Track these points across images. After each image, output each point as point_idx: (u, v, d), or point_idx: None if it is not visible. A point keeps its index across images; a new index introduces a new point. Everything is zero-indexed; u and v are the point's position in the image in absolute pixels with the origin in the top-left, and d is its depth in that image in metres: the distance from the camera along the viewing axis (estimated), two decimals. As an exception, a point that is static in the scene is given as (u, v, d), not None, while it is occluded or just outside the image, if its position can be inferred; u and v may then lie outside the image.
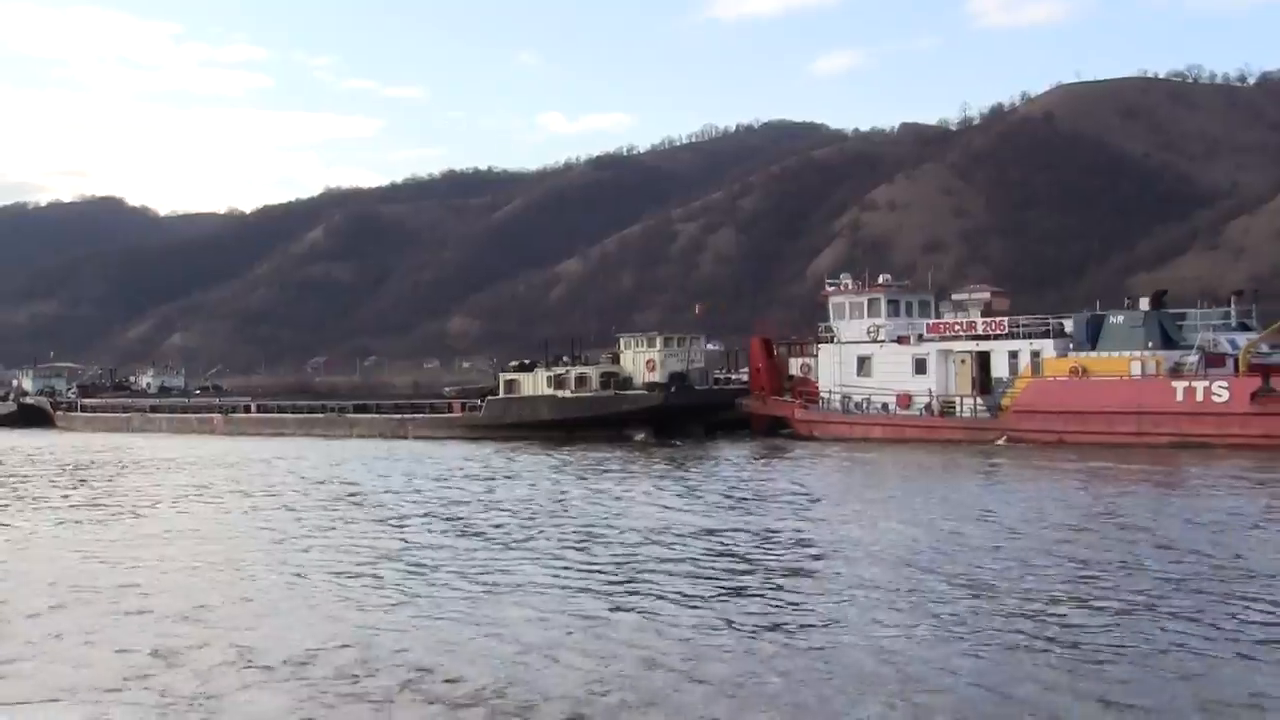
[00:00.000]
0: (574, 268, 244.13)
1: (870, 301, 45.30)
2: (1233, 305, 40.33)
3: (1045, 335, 40.67)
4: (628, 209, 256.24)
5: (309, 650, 11.34)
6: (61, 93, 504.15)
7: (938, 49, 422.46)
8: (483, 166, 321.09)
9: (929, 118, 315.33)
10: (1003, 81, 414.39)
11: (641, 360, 46.77)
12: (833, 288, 46.41)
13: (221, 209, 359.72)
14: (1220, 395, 36.18)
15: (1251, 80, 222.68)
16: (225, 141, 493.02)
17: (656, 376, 46.60)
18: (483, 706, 9.20)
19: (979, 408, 40.92)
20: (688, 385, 46.24)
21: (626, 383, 46.70)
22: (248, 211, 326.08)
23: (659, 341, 47.23)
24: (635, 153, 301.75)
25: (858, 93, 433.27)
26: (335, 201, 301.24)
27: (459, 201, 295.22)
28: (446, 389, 52.03)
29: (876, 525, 19.60)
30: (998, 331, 41.71)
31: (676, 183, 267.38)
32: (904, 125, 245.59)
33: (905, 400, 42.70)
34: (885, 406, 43.23)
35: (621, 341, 48.61)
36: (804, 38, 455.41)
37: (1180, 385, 36.86)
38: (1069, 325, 40.65)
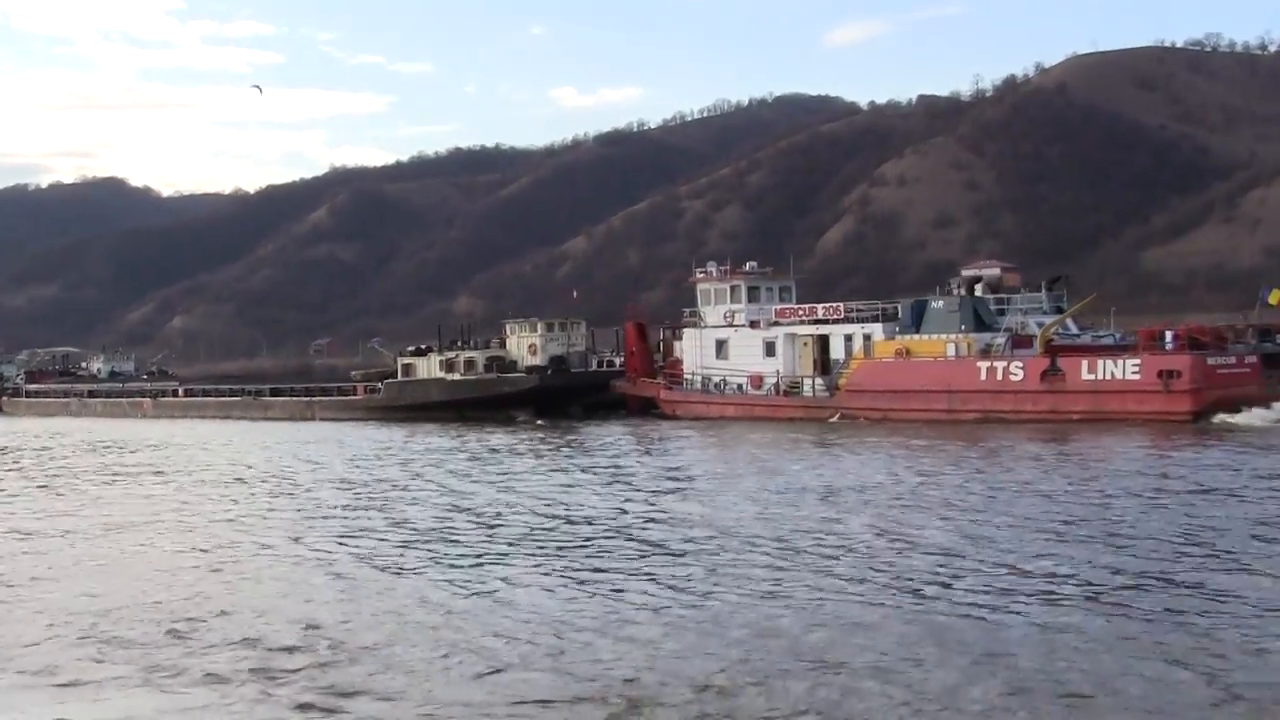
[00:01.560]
0: (581, 246, 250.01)
1: (732, 288, 50.94)
2: (1044, 290, 45.51)
3: (876, 319, 46.10)
4: (636, 186, 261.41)
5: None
6: (64, 72, 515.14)
7: (952, 19, 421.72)
8: (490, 144, 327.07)
9: (943, 90, 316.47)
10: (1016, 52, 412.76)
11: (525, 345, 52.77)
12: (701, 274, 51.89)
13: (226, 189, 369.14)
14: (1016, 374, 41.55)
15: (1273, 48, 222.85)
16: (230, 120, 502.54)
17: (538, 360, 52.58)
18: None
19: (819, 387, 46.51)
20: (565, 368, 52.13)
21: (512, 366, 52.74)
22: (252, 192, 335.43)
23: (540, 327, 53.17)
24: (645, 128, 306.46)
25: (872, 64, 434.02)
26: (340, 180, 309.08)
27: (466, 179, 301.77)
28: (354, 372, 58.14)
29: (714, 500, 21.55)
30: (835, 316, 47.24)
31: (685, 159, 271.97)
32: (921, 98, 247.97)
33: (757, 381, 48.42)
34: (740, 387, 48.95)
35: (508, 327, 54.62)
36: (819, 6, 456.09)
37: (984, 365, 42.23)
38: (900, 310, 46.02)
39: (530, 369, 51.68)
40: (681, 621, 12.64)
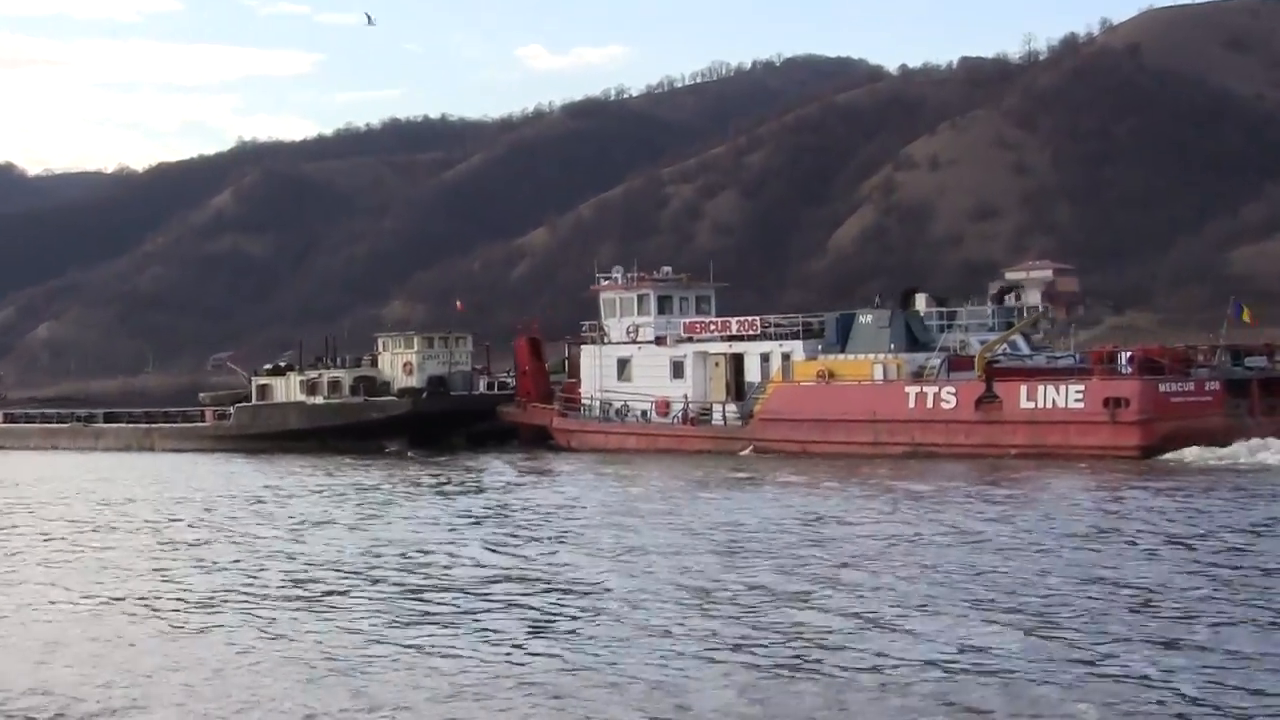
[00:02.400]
0: (542, 239, 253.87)
1: (639, 298, 54.33)
2: (989, 304, 48.86)
3: (797, 336, 49.43)
4: (611, 167, 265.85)
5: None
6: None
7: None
8: (435, 114, 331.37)
9: (987, 51, 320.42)
10: (1077, 5, 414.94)
11: (399, 363, 56.08)
12: (605, 281, 55.23)
13: (108, 167, 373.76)
14: (948, 402, 44.86)
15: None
16: (116, 81, 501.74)
17: (413, 380, 55.87)
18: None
19: (731, 415, 49.77)
20: (445, 390, 55.41)
21: (384, 388, 56.00)
22: (140, 170, 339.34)
23: (417, 341, 56.46)
24: (625, 96, 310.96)
25: (902, 20, 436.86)
26: (251, 157, 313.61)
27: (404, 158, 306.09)
28: (202, 395, 61.30)
29: (578, 553, 23.28)
30: (751, 332, 50.54)
31: (672, 134, 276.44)
32: (961, 60, 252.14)
33: (663, 407, 51.73)
34: (644, 414, 52.21)
35: (380, 341, 57.92)
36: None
37: (913, 391, 45.52)
38: (825, 326, 49.30)
39: (404, 391, 54.94)
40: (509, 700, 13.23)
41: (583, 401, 54.11)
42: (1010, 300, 49.74)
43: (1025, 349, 47.98)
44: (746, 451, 47.97)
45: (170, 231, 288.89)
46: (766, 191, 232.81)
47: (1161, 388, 41.89)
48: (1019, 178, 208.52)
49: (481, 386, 57.54)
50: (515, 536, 26.60)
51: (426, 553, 24.56)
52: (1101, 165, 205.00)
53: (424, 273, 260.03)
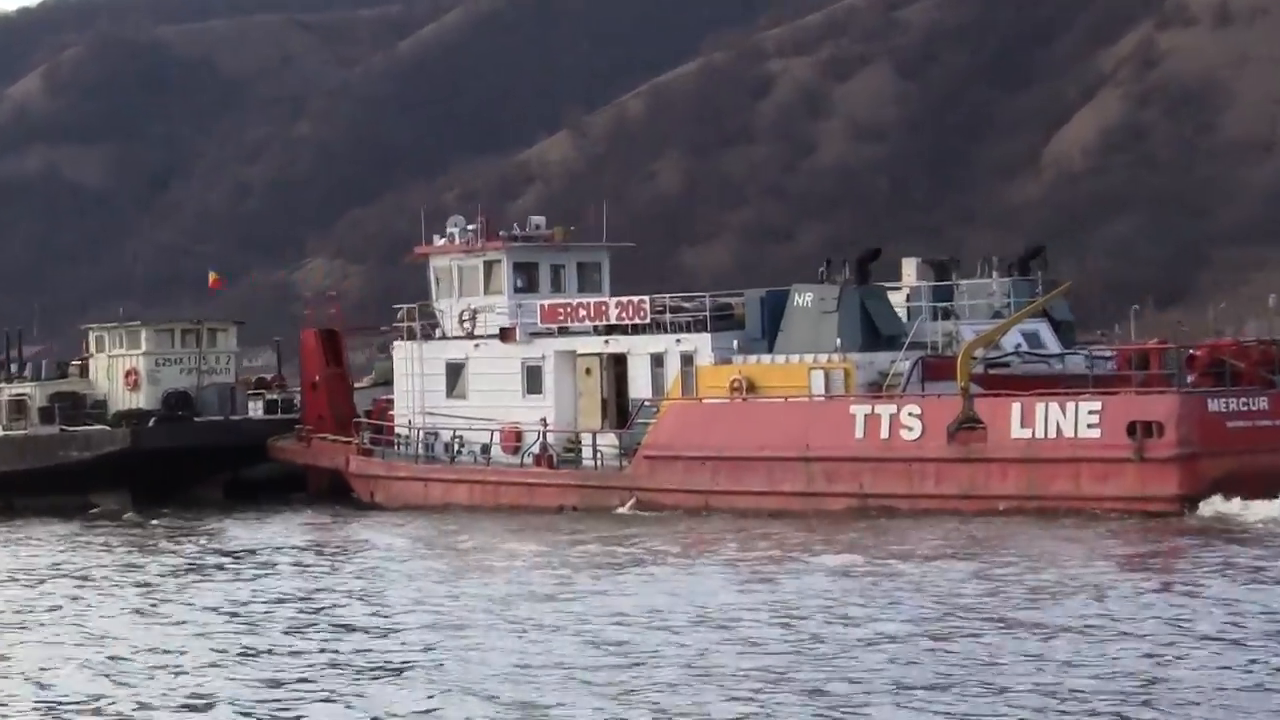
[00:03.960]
0: (560, 151, 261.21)
1: (487, 267, 61.02)
2: (993, 273, 54.90)
3: (704, 327, 55.72)
4: (674, 31, 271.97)
5: None
6: None
7: None
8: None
9: None
10: None
11: (120, 371, 63.34)
12: (441, 242, 62.10)
13: None
14: (911, 429, 50.99)
15: None
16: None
17: (140, 399, 63.12)
18: None
19: (608, 450, 56.29)
20: (188, 414, 62.55)
21: (94, 411, 63.27)
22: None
23: (146, 337, 63.59)
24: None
25: None
26: (74, 18, 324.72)
27: (333, 18, 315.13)
28: None
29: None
30: (638, 319, 56.93)
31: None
32: None
33: (511, 438, 58.41)
34: (485, 449, 58.98)
35: (91, 337, 65.06)
36: None
37: (861, 413, 51.73)
38: (746, 310, 55.54)
39: (124, 417, 62.15)
40: None
41: (396, 431, 60.87)
42: (1036, 269, 55.45)
43: (1053, 345, 53.80)
44: (625, 508, 54.35)
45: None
46: (937, 68, 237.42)
47: (1213, 405, 47.51)
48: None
49: (256, 409, 64.34)
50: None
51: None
52: None
53: (362, 210, 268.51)
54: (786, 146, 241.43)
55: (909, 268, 56.70)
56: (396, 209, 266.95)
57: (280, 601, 38.25)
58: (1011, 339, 53.55)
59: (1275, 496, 45.83)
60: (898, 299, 56.22)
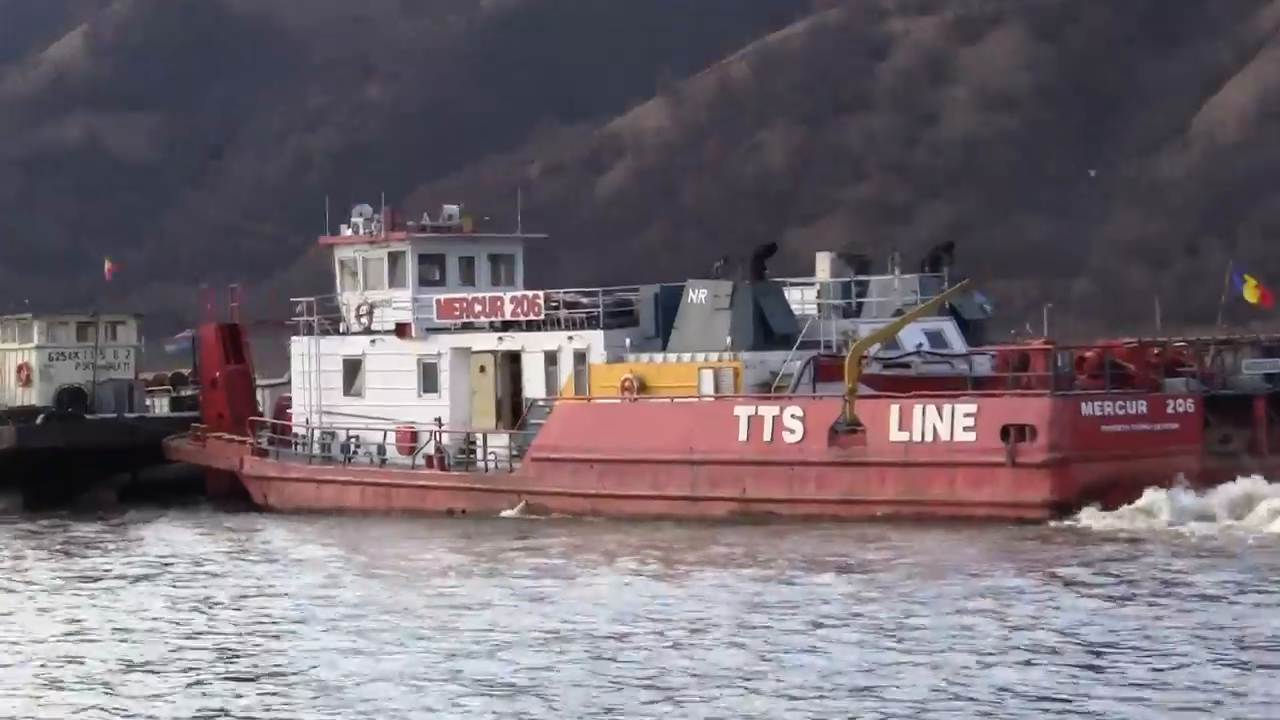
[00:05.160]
0: (655, 120, 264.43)
1: (392, 258, 66.56)
2: (894, 269, 59.75)
3: (596, 324, 60.96)
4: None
5: None
6: None
7: None
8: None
9: None
10: None
11: (9, 365, 69.11)
12: (346, 232, 67.62)
13: None
14: (793, 431, 56.06)
15: None
16: None
17: (32, 395, 68.97)
18: None
19: (500, 452, 61.74)
20: (82, 412, 68.30)
21: (-10, 405, 69.08)
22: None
23: (38, 330, 69.39)
24: None
25: None
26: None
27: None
28: None
29: None
30: (532, 315, 62.32)
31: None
32: None
33: (407, 438, 63.97)
34: (380, 450, 64.59)
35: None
36: None
37: (745, 414, 56.83)
38: (641, 307, 60.73)
39: (12, 414, 68.00)
40: None
41: (294, 430, 66.54)
42: (944, 266, 60.30)
43: (958, 345, 58.55)
44: (513, 511, 59.73)
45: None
46: (1076, 29, 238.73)
47: (1086, 409, 52.19)
48: None
49: (161, 406, 70.00)
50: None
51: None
52: None
53: (435, 185, 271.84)
54: (907, 116, 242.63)
55: (823, 263, 60.89)
56: (473, 184, 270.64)
57: (133, 613, 41.23)
58: (914, 338, 58.02)
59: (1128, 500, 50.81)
60: (809, 296, 60.65)
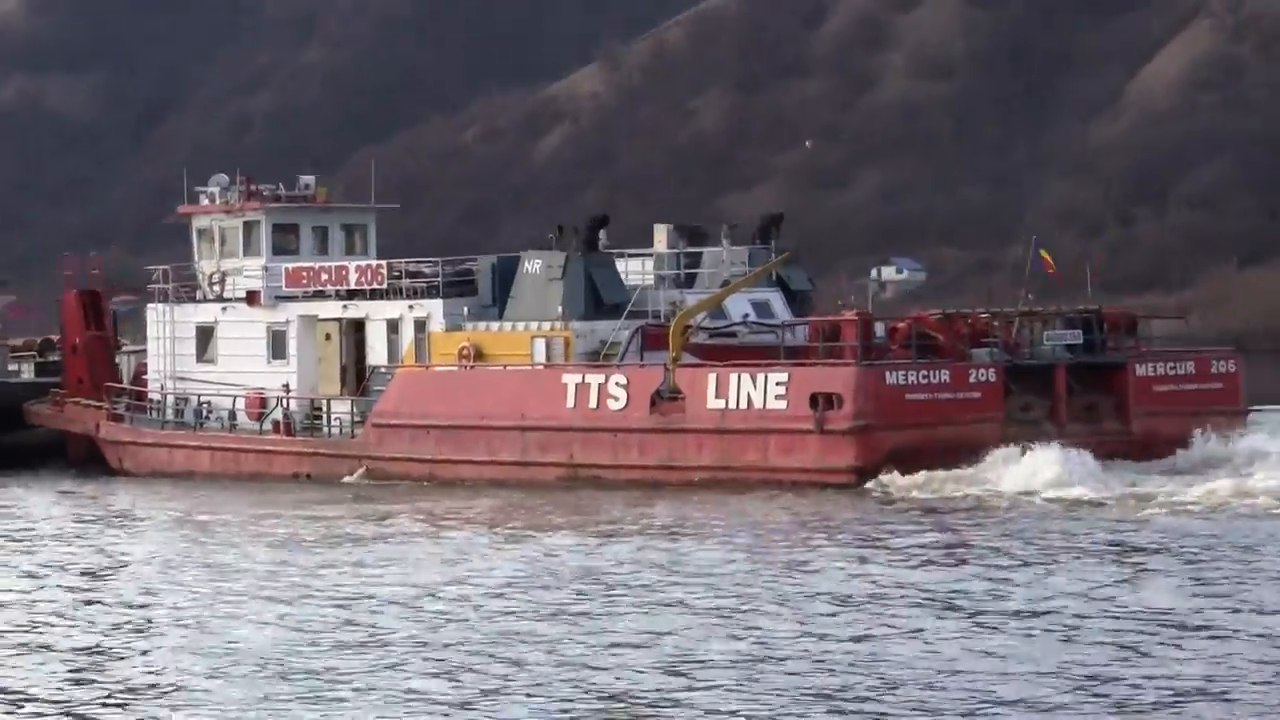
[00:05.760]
0: (591, 84, 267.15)
1: (246, 227, 68.89)
2: (725, 241, 62.11)
3: (435, 293, 63.35)
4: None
5: None
6: None
7: None
8: None
9: None
10: None
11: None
12: (205, 201, 69.90)
13: None
14: (617, 399, 58.44)
15: None
16: None
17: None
18: None
19: (346, 418, 64.13)
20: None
21: None
22: None
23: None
24: None
25: None
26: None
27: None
28: None
29: None
30: (375, 284, 64.68)
31: None
32: None
33: (256, 404, 66.33)
34: (232, 416, 66.94)
35: None
36: None
37: (572, 382, 59.18)
38: (479, 276, 63.13)
39: None
40: None
41: (149, 396, 68.82)
42: (773, 238, 62.71)
43: (783, 315, 60.92)
44: (354, 476, 62.16)
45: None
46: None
47: (891, 378, 54.61)
48: None
49: (28, 371, 72.32)
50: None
51: None
52: None
53: (375, 148, 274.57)
54: (842, 82, 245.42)
55: (660, 234, 63.25)
56: (412, 147, 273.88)
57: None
58: (740, 308, 60.47)
59: (953, 468, 53.03)
60: (649, 266, 63.06)
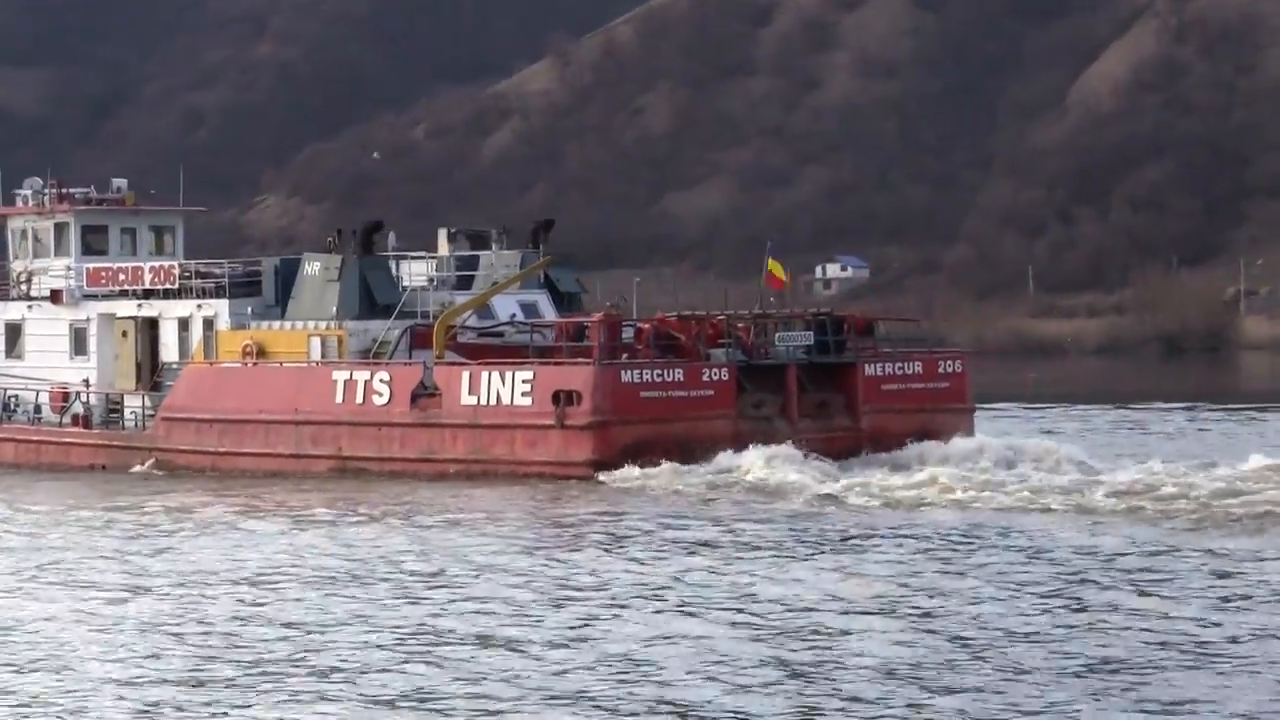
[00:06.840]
0: (542, 82, 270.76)
1: (57, 228, 72.98)
2: (493, 246, 66.22)
3: (222, 294, 67.50)
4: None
5: None
6: None
7: None
8: None
9: None
10: None
11: None
12: (21, 202, 73.94)
13: None
14: (381, 394, 62.61)
15: None
16: None
17: None
18: None
19: (138, 411, 68.26)
20: None
21: None
22: None
23: None
24: None
25: None
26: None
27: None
28: None
29: None
30: (167, 284, 68.80)
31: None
32: None
33: (59, 398, 70.39)
34: (38, 409, 71.03)
35: None
36: None
37: (341, 379, 63.32)
38: (264, 277, 67.29)
39: None
40: None
41: (-33, 388, 72.91)
42: (542, 242, 66.83)
43: (550, 316, 64.98)
44: (144, 466, 66.29)
45: None
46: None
47: (626, 376, 58.71)
48: None
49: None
50: None
51: None
52: None
53: (324, 144, 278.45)
54: (788, 82, 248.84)
55: (442, 238, 67.58)
56: (361, 143, 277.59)
57: None
58: (508, 309, 64.65)
59: (687, 462, 57.29)
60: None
